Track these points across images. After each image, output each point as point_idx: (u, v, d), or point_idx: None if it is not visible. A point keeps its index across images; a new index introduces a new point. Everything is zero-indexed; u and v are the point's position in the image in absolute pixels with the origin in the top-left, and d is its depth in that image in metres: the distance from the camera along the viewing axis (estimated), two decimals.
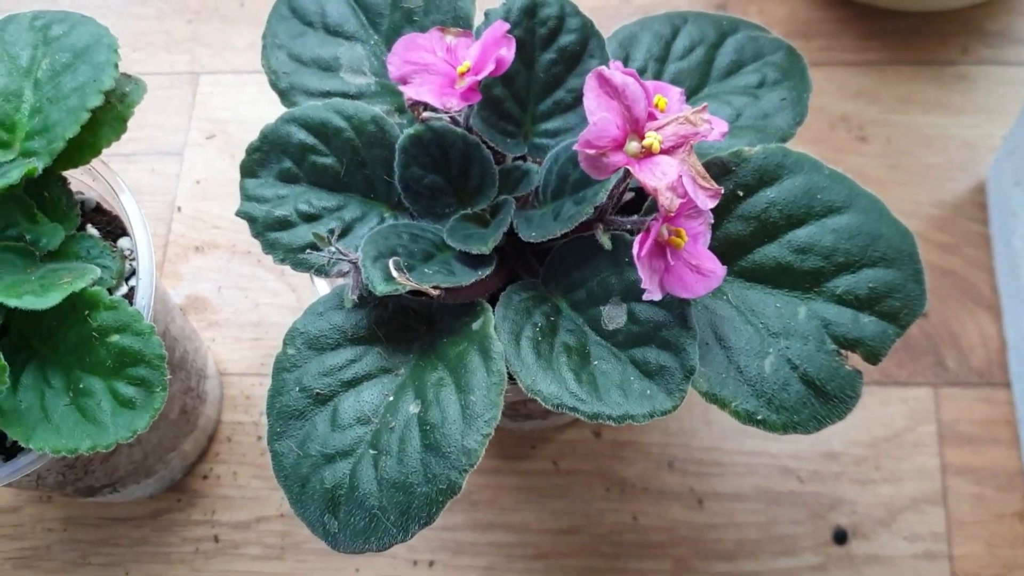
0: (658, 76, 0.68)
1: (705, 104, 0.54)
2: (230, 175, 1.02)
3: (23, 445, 0.62)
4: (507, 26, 0.59)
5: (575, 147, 0.52)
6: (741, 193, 0.61)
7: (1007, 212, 0.91)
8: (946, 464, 0.88)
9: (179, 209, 1.01)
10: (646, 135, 0.53)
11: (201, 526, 0.89)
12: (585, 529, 0.87)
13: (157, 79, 1.07)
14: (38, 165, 0.65)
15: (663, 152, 0.53)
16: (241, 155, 1.02)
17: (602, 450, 0.89)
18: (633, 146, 0.53)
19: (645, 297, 0.54)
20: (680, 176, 0.52)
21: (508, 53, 0.57)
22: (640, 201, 0.64)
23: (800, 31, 1.05)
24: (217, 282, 0.98)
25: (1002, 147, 0.93)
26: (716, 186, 0.53)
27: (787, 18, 1.05)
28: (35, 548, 0.89)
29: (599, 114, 0.52)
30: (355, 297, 0.61)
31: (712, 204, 0.53)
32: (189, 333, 0.85)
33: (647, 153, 0.53)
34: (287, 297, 0.97)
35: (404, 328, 0.64)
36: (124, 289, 0.71)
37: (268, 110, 1.04)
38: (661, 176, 0.52)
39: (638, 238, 0.54)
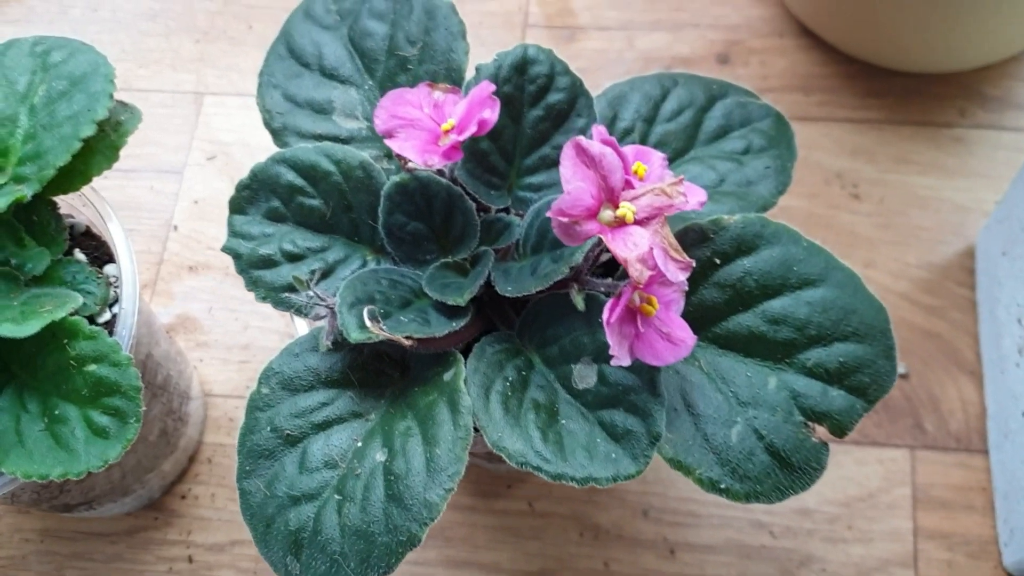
0: (645, 137, 0.69)
1: (682, 176, 0.55)
2: (228, 196, 1.03)
3: None
4: (492, 87, 0.60)
5: (547, 214, 0.53)
6: (718, 261, 0.62)
7: (993, 280, 0.91)
8: (919, 527, 0.88)
9: (175, 228, 1.02)
10: (620, 205, 0.54)
11: (176, 546, 0.90)
12: (557, 573, 0.88)
13: (161, 97, 1.08)
14: (27, 192, 0.66)
15: (636, 223, 0.54)
16: (241, 177, 1.04)
17: (578, 494, 0.90)
18: (607, 215, 0.54)
19: (613, 363, 0.55)
20: (651, 248, 0.53)
21: (492, 115, 0.58)
22: (617, 262, 0.64)
23: (799, 85, 1.05)
24: (208, 303, 0.99)
25: (994, 214, 0.94)
26: (687, 259, 0.54)
27: (787, 71, 1.06)
28: (11, 558, 0.90)
29: (574, 183, 0.53)
30: (329, 342, 0.61)
31: (683, 277, 0.54)
32: (174, 356, 0.86)
33: (620, 223, 0.54)
34: (277, 322, 0.97)
35: (378, 373, 0.64)
36: (107, 315, 0.72)
37: (270, 136, 1.06)
38: (632, 247, 0.52)
39: (608, 303, 0.55)
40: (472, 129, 0.58)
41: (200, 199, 1.03)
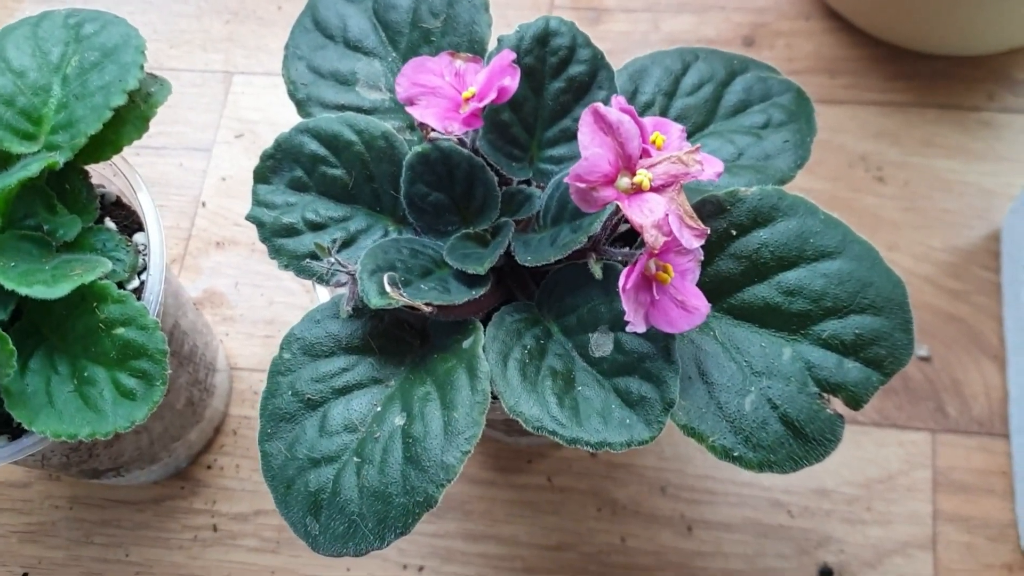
0: (665, 111, 0.69)
1: (699, 145, 0.55)
2: None
3: (27, 427, 0.64)
4: (513, 55, 0.60)
5: (565, 180, 0.53)
6: (734, 232, 0.62)
7: (1018, 264, 0.91)
8: (938, 510, 0.88)
9: (203, 204, 1.04)
10: (637, 172, 0.54)
11: (201, 515, 0.91)
12: (574, 547, 0.88)
13: (191, 76, 1.10)
14: (59, 159, 0.68)
15: (652, 190, 0.54)
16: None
17: (597, 470, 0.91)
18: (624, 182, 0.55)
19: (628, 329, 0.56)
20: (667, 214, 0.53)
21: (512, 83, 0.59)
22: (635, 233, 0.65)
23: (826, 67, 1.05)
24: (234, 278, 1.00)
25: (1019, 197, 0.93)
26: (702, 226, 0.54)
27: (813, 54, 1.06)
28: (41, 524, 0.92)
29: (592, 149, 0.53)
30: (350, 308, 0.63)
31: (698, 244, 0.54)
32: (201, 327, 0.88)
33: (637, 190, 0.54)
34: (302, 297, 0.99)
35: (398, 341, 0.65)
36: (136, 283, 0.73)
37: (294, 108, 1.07)
38: (648, 213, 0.53)
39: (624, 270, 0.56)
40: (492, 96, 0.58)
41: (227, 176, 1.05)
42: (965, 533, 0.87)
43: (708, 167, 0.56)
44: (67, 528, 0.92)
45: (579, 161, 0.53)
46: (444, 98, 0.61)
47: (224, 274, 1.00)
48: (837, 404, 0.63)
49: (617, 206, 0.59)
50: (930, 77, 1.04)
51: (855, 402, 0.62)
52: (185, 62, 1.11)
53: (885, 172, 1.00)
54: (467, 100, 0.61)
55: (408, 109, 0.62)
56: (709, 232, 0.54)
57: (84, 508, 0.93)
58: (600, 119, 0.54)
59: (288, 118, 1.07)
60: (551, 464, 0.91)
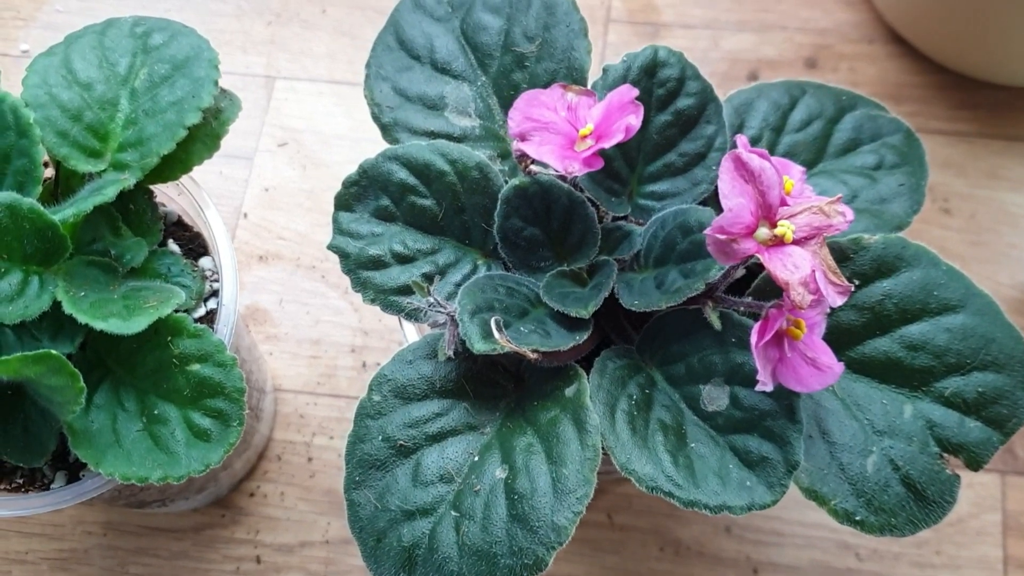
0: (772, 147, 0.66)
1: (839, 196, 0.52)
2: (299, 185, 1.00)
3: (93, 468, 0.60)
4: (635, 92, 0.57)
5: (706, 232, 0.50)
6: (857, 282, 0.59)
7: None
8: (1009, 556, 0.86)
9: (245, 216, 0.99)
10: (778, 223, 0.51)
11: (244, 545, 0.87)
12: None
13: (231, 79, 1.05)
14: (131, 181, 0.63)
15: (795, 243, 0.51)
16: (313, 166, 1.01)
17: (659, 508, 0.87)
18: (763, 233, 0.51)
19: (759, 388, 0.53)
20: (812, 271, 0.50)
21: (636, 121, 0.55)
22: (749, 278, 0.61)
23: (890, 94, 1.02)
24: (279, 294, 0.96)
25: None
26: (847, 283, 0.51)
27: (877, 79, 1.03)
28: (73, 551, 0.88)
29: (734, 200, 0.50)
30: (451, 352, 0.59)
31: (841, 302, 0.51)
32: (252, 349, 0.84)
33: (778, 242, 0.51)
34: (349, 317, 0.95)
35: (492, 384, 0.62)
36: (202, 310, 0.69)
37: (343, 123, 1.03)
38: (793, 269, 0.50)
39: (756, 327, 0.52)
40: (619, 136, 0.55)
41: (271, 187, 1.00)
42: None
43: (846, 216, 0.53)
44: (100, 556, 0.88)
45: (722, 213, 0.50)
46: (558, 134, 0.58)
47: (268, 290, 0.96)
48: (954, 464, 0.60)
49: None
50: (995, 107, 1.02)
51: (975, 463, 0.60)
52: (225, 65, 1.05)
53: (951, 204, 0.98)
54: (583, 137, 0.57)
55: (520, 145, 0.58)
56: (853, 289, 0.51)
57: (119, 535, 0.88)
58: (742, 166, 0.51)
59: (335, 128, 1.03)
60: (611, 501, 0.88)
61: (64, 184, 0.66)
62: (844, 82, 1.03)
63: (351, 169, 0.63)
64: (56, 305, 0.60)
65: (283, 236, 0.98)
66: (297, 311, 0.95)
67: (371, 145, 0.65)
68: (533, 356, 0.57)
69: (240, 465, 0.87)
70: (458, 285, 0.63)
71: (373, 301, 0.63)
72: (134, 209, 0.67)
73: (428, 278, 0.64)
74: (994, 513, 0.87)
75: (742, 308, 0.57)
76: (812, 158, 0.66)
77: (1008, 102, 1.02)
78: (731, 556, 0.86)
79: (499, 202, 0.62)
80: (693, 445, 0.57)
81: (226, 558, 0.87)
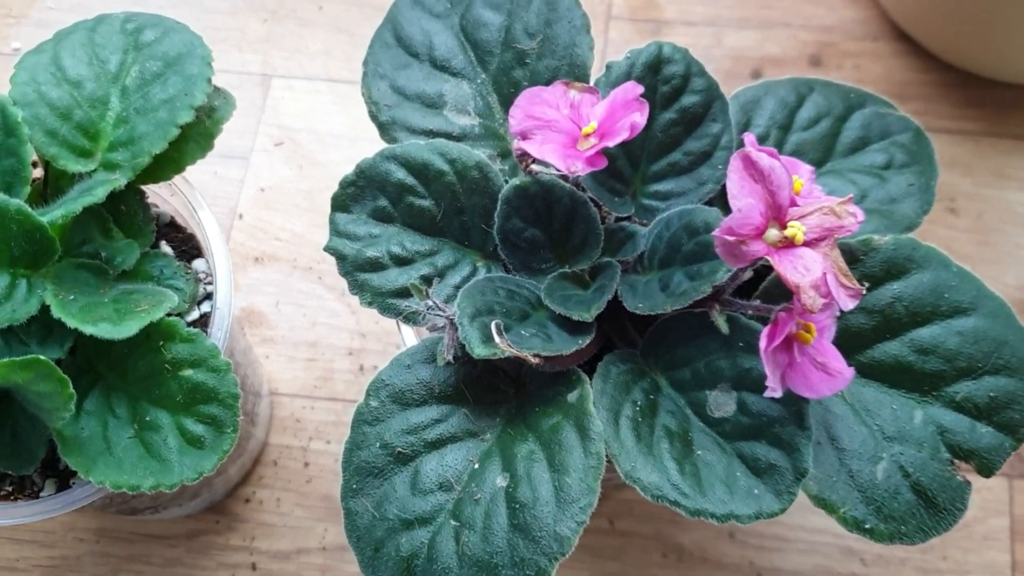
0: (779, 145, 0.65)
1: (851, 196, 0.51)
2: (296, 185, 0.99)
3: (83, 476, 0.59)
4: (641, 88, 0.55)
5: (715, 233, 0.48)
6: (867, 284, 0.58)
7: None
8: (1016, 561, 0.84)
9: (240, 216, 0.98)
10: (788, 224, 0.50)
11: (239, 552, 0.86)
12: None
13: (226, 78, 1.03)
14: (121, 181, 0.62)
15: (805, 244, 0.50)
16: (310, 166, 1.00)
17: (660, 513, 0.86)
18: (773, 234, 0.50)
19: (768, 394, 0.51)
20: (824, 273, 0.49)
21: (642, 119, 0.54)
22: (756, 281, 0.60)
23: (895, 92, 1.01)
24: (275, 296, 0.94)
25: None
26: (858, 285, 0.50)
27: (882, 77, 1.02)
28: (65, 558, 0.86)
29: (743, 200, 0.49)
30: (450, 356, 0.57)
31: (853, 305, 0.50)
32: (248, 352, 0.82)
33: (788, 244, 0.49)
34: (346, 319, 0.93)
35: (492, 389, 0.60)
36: (195, 314, 0.68)
37: (341, 122, 1.02)
38: (804, 272, 0.48)
39: (766, 331, 0.51)
40: (623, 135, 0.53)
41: (267, 187, 0.99)
42: None
43: (857, 217, 0.52)
44: (92, 563, 0.86)
45: (731, 213, 0.48)
46: (561, 132, 0.56)
47: (264, 292, 0.94)
48: (965, 470, 0.59)
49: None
50: (1002, 106, 1.00)
51: (987, 469, 0.58)
52: (219, 63, 1.03)
53: (958, 204, 0.97)
54: (586, 135, 0.56)
55: (521, 143, 0.56)
56: (864, 292, 0.50)
57: (111, 542, 0.87)
58: (751, 165, 0.49)
59: (331, 127, 1.02)
60: (613, 506, 0.86)
61: (53, 184, 0.65)
62: (849, 80, 1.01)
63: (349, 168, 0.62)
64: (45, 309, 0.58)
65: (279, 237, 0.97)
66: (293, 313, 0.94)
67: (369, 144, 0.64)
68: (534, 360, 0.56)
69: (235, 470, 0.85)
70: (457, 287, 0.62)
71: (371, 304, 0.62)
72: (125, 210, 0.66)
73: (427, 280, 0.63)
74: (1002, 518, 0.86)
75: (750, 311, 0.56)
76: (820, 157, 0.65)
77: (1015, 101, 1.01)
78: (734, 561, 0.84)
79: (499, 202, 0.61)
80: (699, 452, 0.55)
81: (221, 565, 0.85)
